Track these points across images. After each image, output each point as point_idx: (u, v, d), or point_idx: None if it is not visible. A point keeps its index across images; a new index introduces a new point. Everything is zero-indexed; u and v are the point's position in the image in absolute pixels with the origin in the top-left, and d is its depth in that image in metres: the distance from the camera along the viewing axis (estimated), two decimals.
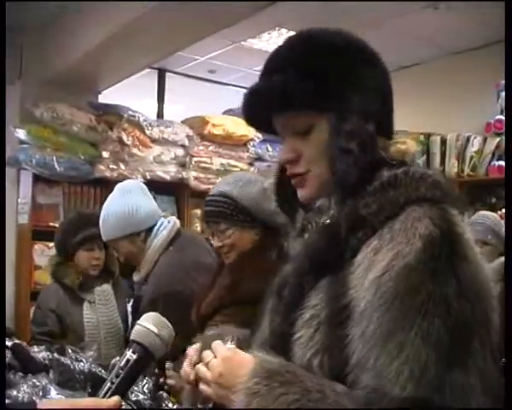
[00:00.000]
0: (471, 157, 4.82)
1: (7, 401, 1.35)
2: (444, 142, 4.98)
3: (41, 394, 1.35)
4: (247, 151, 5.46)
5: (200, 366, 1.12)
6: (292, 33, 4.27)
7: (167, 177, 5.18)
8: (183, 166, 5.33)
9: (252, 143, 5.44)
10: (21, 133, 4.63)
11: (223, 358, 1.08)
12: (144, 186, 2.81)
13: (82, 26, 4.44)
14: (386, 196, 1.06)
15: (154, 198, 5.14)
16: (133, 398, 1.47)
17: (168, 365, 1.80)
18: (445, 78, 5.30)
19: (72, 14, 4.51)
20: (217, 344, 1.13)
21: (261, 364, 1.02)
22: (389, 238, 1.01)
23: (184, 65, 5.95)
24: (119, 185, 2.84)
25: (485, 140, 4.78)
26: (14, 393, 1.37)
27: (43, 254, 4.69)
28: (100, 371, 1.54)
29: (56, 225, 4.72)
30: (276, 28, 5.03)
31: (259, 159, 5.53)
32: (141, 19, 3.91)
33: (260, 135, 5.42)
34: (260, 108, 1.20)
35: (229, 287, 2.04)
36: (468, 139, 4.87)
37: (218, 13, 3.87)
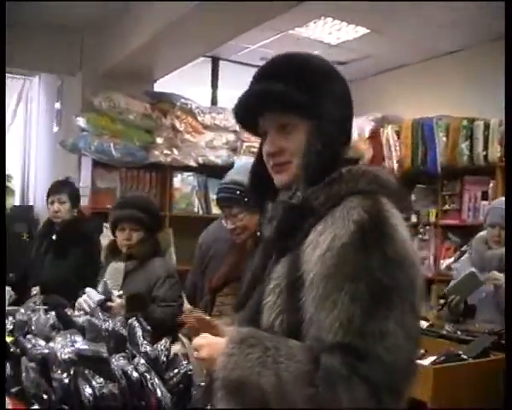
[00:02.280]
0: None
1: (46, 351, 1.65)
2: (487, 126, 5.01)
3: (69, 342, 1.66)
4: None
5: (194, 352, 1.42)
6: (337, 22, 4.42)
7: (219, 161, 5.45)
8: (234, 150, 5.57)
9: None
10: (81, 121, 4.97)
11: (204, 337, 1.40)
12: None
13: (138, 20, 4.73)
14: (332, 190, 1.32)
15: (206, 181, 5.50)
16: (142, 350, 1.76)
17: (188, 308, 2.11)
18: (488, 63, 5.33)
19: (128, 8, 4.80)
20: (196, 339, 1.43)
21: (235, 333, 1.30)
22: (330, 223, 1.27)
23: (237, 53, 6.18)
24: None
25: None
26: (52, 344, 1.68)
27: (101, 234, 5.02)
28: (121, 330, 1.84)
29: None
30: (322, 17, 5.19)
31: None
32: (193, 10, 4.14)
33: None
34: (254, 107, 1.45)
35: (233, 265, 2.32)
36: None
37: (265, 4, 4.07)
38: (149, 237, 3.14)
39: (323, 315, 1.21)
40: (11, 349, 1.80)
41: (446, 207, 5.43)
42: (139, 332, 1.83)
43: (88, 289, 2.86)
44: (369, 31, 5.42)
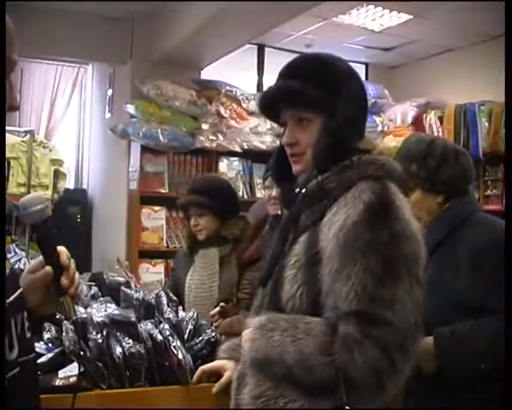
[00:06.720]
0: None
1: (84, 315, 1.86)
2: None
3: (103, 308, 1.87)
4: None
5: None
6: (379, 9, 4.47)
7: (263, 146, 5.58)
8: (278, 136, 5.63)
9: None
10: (131, 109, 5.19)
11: None
12: None
13: (186, 9, 4.87)
14: (344, 176, 1.49)
15: (251, 166, 5.65)
16: (166, 316, 1.96)
17: None
18: None
19: None
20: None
21: (255, 321, 1.47)
22: (343, 205, 1.43)
23: (282, 40, 6.30)
24: None
25: None
26: (89, 310, 1.90)
27: (150, 217, 5.25)
28: (150, 300, 2.04)
29: (162, 190, 5.29)
30: (365, 4, 5.26)
31: None
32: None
33: None
34: (276, 101, 1.63)
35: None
36: None
37: None
38: (227, 219, 3.03)
39: (339, 286, 1.37)
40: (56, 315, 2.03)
41: (488, 192, 5.46)
42: (165, 301, 2.04)
43: None
44: (411, 16, 5.46)
